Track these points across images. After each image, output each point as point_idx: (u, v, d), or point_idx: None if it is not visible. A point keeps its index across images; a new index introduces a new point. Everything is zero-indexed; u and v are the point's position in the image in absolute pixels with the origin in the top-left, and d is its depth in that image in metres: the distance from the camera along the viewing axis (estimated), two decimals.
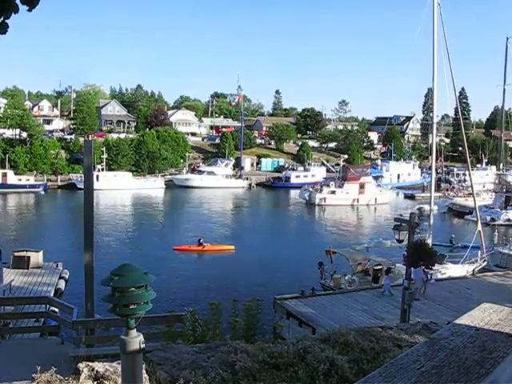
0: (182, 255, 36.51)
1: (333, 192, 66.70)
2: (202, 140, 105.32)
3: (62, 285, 25.15)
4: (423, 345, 2.97)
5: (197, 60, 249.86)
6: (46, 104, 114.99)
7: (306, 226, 54.35)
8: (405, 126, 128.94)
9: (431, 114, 36.77)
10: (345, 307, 20.00)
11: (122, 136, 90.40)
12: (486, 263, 30.54)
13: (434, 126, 34.40)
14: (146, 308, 3.51)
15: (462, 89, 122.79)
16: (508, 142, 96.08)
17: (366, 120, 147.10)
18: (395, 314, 17.48)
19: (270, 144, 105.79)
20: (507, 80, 64.07)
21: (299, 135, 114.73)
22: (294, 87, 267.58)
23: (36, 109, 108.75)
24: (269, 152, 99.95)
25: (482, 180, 72.03)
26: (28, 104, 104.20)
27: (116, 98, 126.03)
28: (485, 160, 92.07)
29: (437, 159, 48.89)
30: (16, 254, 26.70)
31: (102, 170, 73.37)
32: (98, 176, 65.21)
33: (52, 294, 22.13)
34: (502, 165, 69.66)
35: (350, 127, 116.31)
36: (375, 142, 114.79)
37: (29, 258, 26.46)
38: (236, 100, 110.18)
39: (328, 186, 68.34)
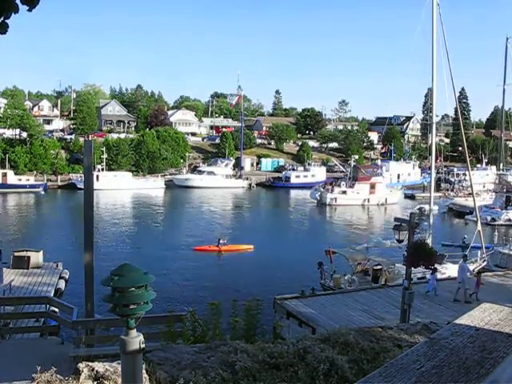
0: (182, 255, 36.49)
1: (344, 192, 67.09)
2: (202, 140, 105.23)
3: (61, 285, 25.11)
4: (423, 345, 2.97)
5: (197, 60, 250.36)
6: (46, 104, 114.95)
7: (314, 226, 54.33)
8: (405, 126, 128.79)
9: (431, 114, 36.77)
10: (345, 307, 19.96)
11: (122, 136, 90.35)
12: (485, 263, 30.55)
13: (434, 126, 34.40)
14: (146, 308, 3.51)
15: (462, 89, 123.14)
16: (508, 142, 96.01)
17: (366, 120, 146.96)
18: (395, 314, 17.47)
19: (269, 144, 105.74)
20: (507, 80, 64.25)
21: (299, 135, 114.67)
22: (294, 87, 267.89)
23: (36, 109, 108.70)
24: (269, 152, 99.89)
25: (482, 180, 72.06)
26: (28, 104, 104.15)
27: (116, 97, 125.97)
28: (485, 160, 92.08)
29: (437, 159, 48.81)
30: (16, 253, 26.67)
31: (102, 169, 73.33)
32: (98, 176, 65.21)
33: (52, 294, 22.08)
34: (502, 165, 69.69)
35: (350, 127, 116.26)
36: (375, 142, 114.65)
37: (29, 257, 26.42)
38: (236, 100, 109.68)
39: (339, 186, 68.65)
